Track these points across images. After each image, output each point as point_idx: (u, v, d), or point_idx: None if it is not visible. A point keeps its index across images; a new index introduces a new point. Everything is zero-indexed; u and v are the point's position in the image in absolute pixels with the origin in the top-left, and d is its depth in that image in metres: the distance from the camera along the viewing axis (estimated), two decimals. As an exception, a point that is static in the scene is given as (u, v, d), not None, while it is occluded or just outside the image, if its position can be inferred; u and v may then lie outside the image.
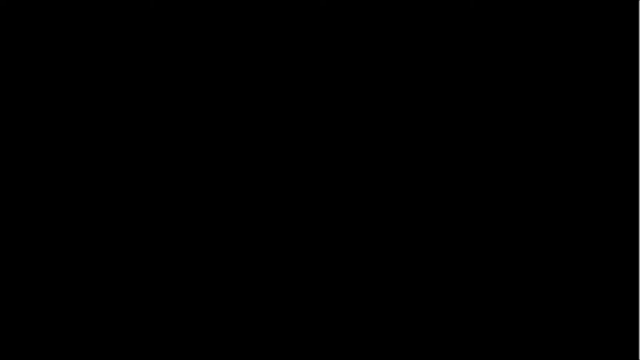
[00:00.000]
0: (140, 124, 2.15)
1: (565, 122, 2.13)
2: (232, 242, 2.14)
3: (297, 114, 2.15)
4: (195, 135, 2.15)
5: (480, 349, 2.11)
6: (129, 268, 2.13)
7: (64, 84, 2.15)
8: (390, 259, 2.13)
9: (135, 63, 2.15)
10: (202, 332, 2.13)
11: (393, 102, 2.15)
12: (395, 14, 2.15)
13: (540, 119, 2.13)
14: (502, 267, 2.12)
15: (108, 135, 2.15)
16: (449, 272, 2.12)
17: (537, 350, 2.10)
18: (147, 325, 2.12)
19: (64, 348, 2.12)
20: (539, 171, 2.12)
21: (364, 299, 2.13)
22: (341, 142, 2.15)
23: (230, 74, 2.16)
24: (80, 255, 2.13)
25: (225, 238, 2.14)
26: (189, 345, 2.13)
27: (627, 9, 2.12)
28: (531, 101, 2.14)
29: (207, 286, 2.13)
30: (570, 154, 2.12)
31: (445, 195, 2.13)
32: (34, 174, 2.14)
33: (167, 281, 2.13)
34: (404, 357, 2.11)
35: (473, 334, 2.11)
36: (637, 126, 2.12)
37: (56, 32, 2.15)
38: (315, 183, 2.14)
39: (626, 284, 2.10)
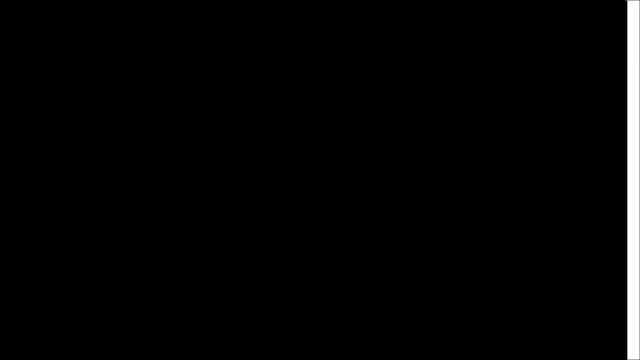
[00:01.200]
0: (140, 124, 2.14)
1: (554, 121, 2.15)
2: (232, 242, 2.14)
3: (297, 113, 2.15)
4: (194, 135, 2.15)
5: (471, 348, 2.12)
6: (129, 268, 2.12)
7: (64, 84, 2.14)
8: (390, 259, 2.14)
9: (135, 63, 2.15)
10: (202, 332, 2.12)
11: (392, 102, 2.15)
12: (395, 14, 2.16)
13: (529, 118, 2.15)
14: (494, 267, 2.13)
15: (108, 135, 2.14)
16: (444, 271, 2.13)
17: (527, 349, 2.11)
18: (147, 325, 2.12)
19: (64, 348, 2.11)
20: (529, 169, 2.14)
21: (364, 299, 2.13)
22: (341, 142, 2.15)
23: (230, 74, 2.15)
24: (80, 255, 2.12)
25: (225, 238, 2.14)
26: (189, 345, 2.12)
27: (616, 9, 2.15)
28: (521, 100, 2.15)
29: (207, 286, 2.13)
30: (558, 153, 2.14)
31: (441, 194, 2.14)
32: (34, 174, 2.12)
33: (167, 281, 2.12)
34: (403, 357, 2.12)
35: (463, 333, 2.12)
36: (625, 125, 2.14)
37: (56, 32, 2.14)
38: (315, 183, 2.15)
39: (614, 285, 2.11)
